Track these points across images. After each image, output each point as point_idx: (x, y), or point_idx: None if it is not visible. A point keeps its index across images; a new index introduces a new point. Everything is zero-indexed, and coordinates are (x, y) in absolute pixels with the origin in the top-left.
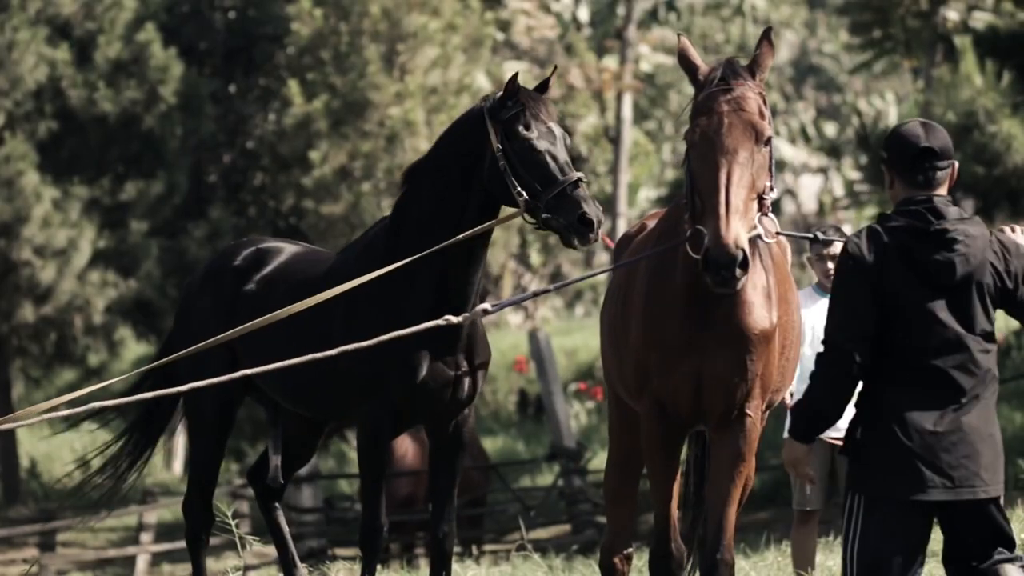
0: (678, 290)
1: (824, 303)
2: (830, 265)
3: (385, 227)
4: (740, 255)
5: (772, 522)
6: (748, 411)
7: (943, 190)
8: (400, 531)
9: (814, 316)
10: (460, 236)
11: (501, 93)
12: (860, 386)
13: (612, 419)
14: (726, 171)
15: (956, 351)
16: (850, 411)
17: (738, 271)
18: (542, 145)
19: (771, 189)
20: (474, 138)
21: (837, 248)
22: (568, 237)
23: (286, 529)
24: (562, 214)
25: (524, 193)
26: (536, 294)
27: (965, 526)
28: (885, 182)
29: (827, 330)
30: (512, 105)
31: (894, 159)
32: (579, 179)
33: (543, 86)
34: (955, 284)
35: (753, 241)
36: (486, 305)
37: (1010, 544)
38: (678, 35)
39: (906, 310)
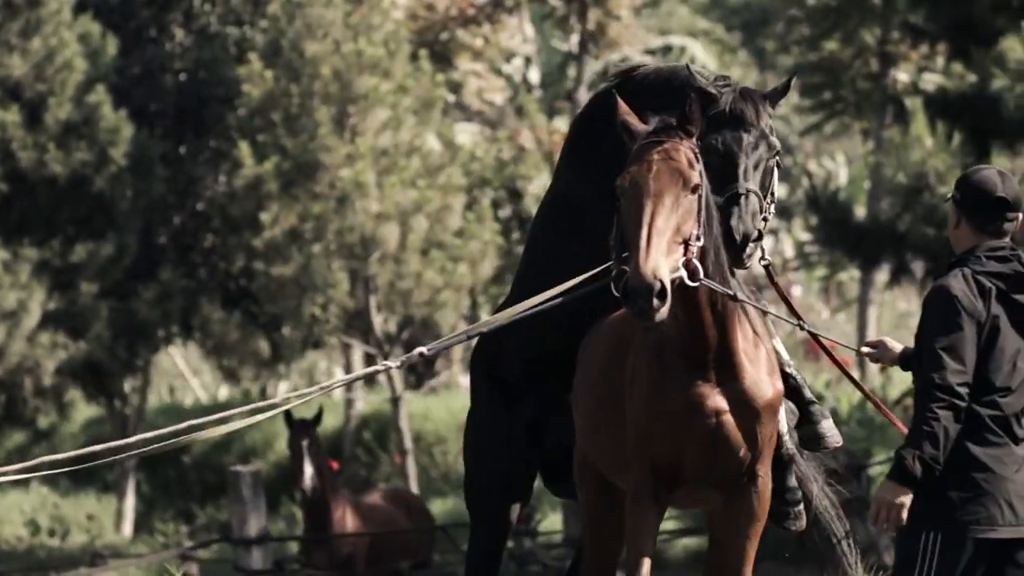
0: (674, 351)
1: None
2: None
3: None
4: (657, 285)
5: None
6: (759, 472)
7: (1007, 239)
8: None
9: None
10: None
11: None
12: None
13: (590, 526)
14: (650, 211)
15: None
16: None
17: (656, 301)
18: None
19: (698, 238)
20: None
21: None
22: None
23: None
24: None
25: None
26: (469, 334)
27: (1002, 566)
28: (950, 222)
29: (937, 375)
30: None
31: (968, 203)
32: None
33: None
34: None
35: (731, 308)
36: (422, 348)
37: None
38: (614, 94)
39: (998, 353)
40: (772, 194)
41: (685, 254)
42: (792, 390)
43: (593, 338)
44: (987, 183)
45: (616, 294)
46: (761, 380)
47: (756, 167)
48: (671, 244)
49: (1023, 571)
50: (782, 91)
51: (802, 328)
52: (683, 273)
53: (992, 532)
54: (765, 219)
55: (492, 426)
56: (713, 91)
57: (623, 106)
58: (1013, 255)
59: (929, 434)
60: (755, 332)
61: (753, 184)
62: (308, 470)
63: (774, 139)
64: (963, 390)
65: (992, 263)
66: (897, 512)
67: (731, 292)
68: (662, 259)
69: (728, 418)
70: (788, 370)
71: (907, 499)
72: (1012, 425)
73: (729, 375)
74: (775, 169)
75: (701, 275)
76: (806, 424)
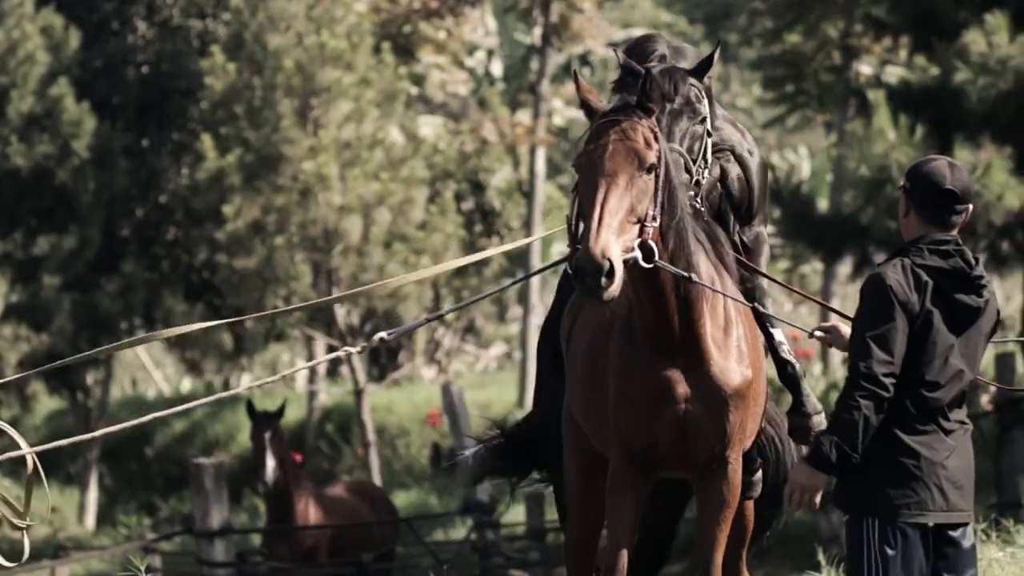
0: (642, 335)
1: None
2: None
3: None
4: (606, 264)
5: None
6: (729, 459)
7: (956, 231)
8: None
9: None
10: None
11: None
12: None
13: (572, 487)
14: (604, 192)
15: (958, 386)
16: None
17: (604, 280)
18: None
19: (654, 218)
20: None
21: None
22: None
23: None
24: None
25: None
26: (429, 319)
27: (943, 550)
28: (900, 210)
29: (863, 364)
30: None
31: (917, 194)
32: None
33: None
34: (973, 326)
35: (693, 292)
36: (382, 333)
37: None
38: (574, 72)
39: (929, 348)
40: (704, 159)
41: (640, 235)
42: (789, 378)
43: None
44: (936, 174)
45: (570, 270)
46: (729, 368)
47: (681, 132)
48: (624, 224)
49: (958, 548)
50: (706, 63)
51: (756, 310)
52: (638, 254)
53: (922, 517)
54: (698, 182)
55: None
56: (640, 69)
57: (583, 84)
58: (956, 250)
59: (849, 422)
60: (727, 318)
61: (677, 146)
62: (270, 463)
63: (700, 106)
64: (888, 380)
65: (934, 257)
66: (811, 495)
67: (685, 274)
68: (613, 239)
69: (695, 404)
70: (786, 357)
71: (821, 484)
72: (939, 417)
73: (696, 361)
74: (705, 136)
75: (656, 256)
76: (797, 415)
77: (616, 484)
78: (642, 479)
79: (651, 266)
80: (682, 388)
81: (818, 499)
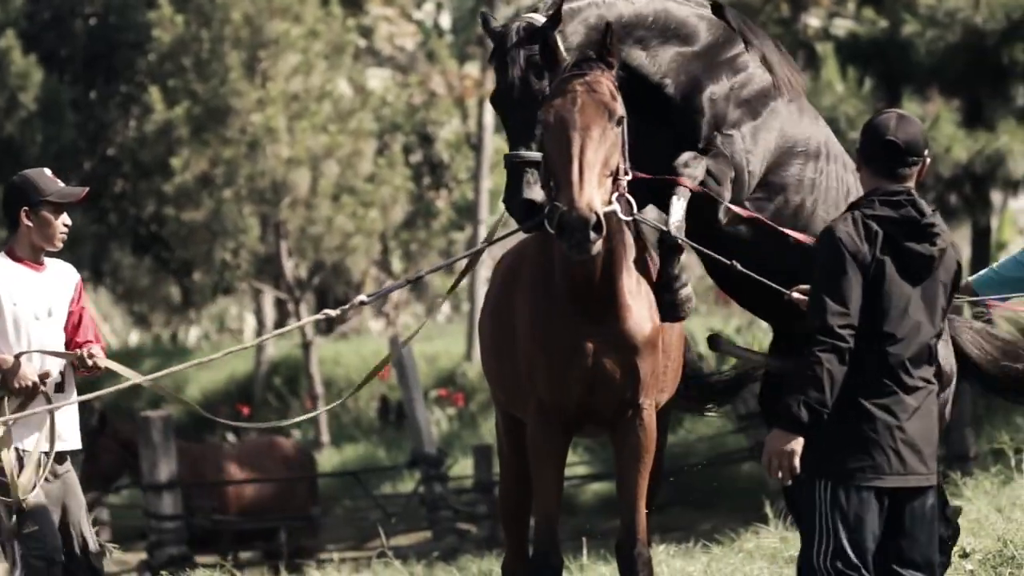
0: (559, 292)
1: None
2: None
3: None
4: (593, 218)
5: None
6: (643, 406)
7: (910, 184)
8: (251, 538)
9: None
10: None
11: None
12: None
13: (502, 439)
14: (579, 145)
15: (918, 340)
16: None
17: (592, 234)
18: None
19: (626, 172)
20: None
21: None
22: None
23: None
24: None
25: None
26: (409, 281)
27: (900, 514)
28: (855, 164)
29: (819, 319)
30: None
31: (863, 146)
32: None
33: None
34: (929, 277)
35: (619, 241)
36: (362, 296)
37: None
38: (544, 29)
39: (885, 299)
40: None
41: (614, 188)
42: (664, 247)
43: (499, 261)
44: (880, 127)
45: (551, 230)
46: (642, 318)
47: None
48: (601, 178)
49: (916, 520)
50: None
51: (733, 268)
52: (617, 207)
53: (878, 480)
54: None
55: None
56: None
57: (553, 37)
58: (908, 200)
59: (812, 378)
60: (640, 268)
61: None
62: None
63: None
64: (846, 332)
65: (885, 208)
66: (789, 460)
67: (664, 227)
68: (595, 192)
69: (609, 357)
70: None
71: (797, 446)
72: (901, 373)
73: (612, 315)
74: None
75: (635, 209)
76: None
77: (537, 449)
78: (561, 438)
79: (630, 219)
80: (596, 341)
81: (797, 463)
